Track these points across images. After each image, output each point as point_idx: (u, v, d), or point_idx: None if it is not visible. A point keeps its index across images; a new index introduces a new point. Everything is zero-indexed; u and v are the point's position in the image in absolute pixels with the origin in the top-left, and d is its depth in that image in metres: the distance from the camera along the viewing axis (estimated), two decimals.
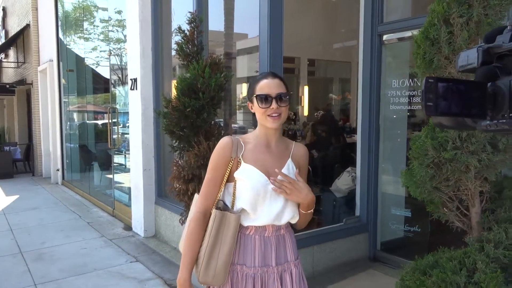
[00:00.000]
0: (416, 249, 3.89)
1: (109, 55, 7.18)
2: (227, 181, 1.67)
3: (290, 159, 1.71)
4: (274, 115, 1.61)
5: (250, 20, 6.77)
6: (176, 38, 3.64)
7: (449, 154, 1.76)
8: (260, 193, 1.61)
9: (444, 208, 1.93)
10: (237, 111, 6.64)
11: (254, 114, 1.71)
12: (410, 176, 1.91)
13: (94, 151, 8.71)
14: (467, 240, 1.86)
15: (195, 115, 3.30)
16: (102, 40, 8.86)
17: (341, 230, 4.07)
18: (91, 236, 5.33)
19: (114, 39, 8.32)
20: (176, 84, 3.40)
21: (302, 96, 8.11)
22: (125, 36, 7.37)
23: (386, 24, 4.00)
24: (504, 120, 0.56)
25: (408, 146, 3.81)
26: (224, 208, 1.66)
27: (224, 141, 1.68)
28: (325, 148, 5.98)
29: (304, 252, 3.59)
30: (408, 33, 3.85)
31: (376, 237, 4.21)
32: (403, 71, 4.10)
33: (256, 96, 1.63)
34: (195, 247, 1.64)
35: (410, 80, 3.93)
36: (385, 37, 4.03)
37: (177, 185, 3.40)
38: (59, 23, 9.23)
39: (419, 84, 3.81)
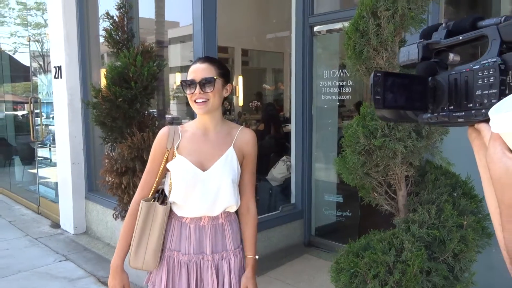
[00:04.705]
0: (347, 232, 4.09)
1: (28, 41, 6.62)
2: (168, 170, 1.67)
3: (231, 147, 1.67)
4: (198, 100, 1.59)
5: (181, 8, 6.61)
6: (104, 24, 3.46)
7: (379, 142, 1.86)
8: (189, 185, 1.60)
9: (374, 193, 2.04)
10: (171, 101, 6.48)
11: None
12: (343, 163, 1.99)
13: (14, 144, 8.06)
14: (395, 222, 1.99)
15: (128, 105, 3.18)
16: (19, 25, 8.16)
17: (278, 218, 4.16)
18: (14, 235, 4.95)
19: (33, 23, 7.70)
20: (105, 73, 3.24)
21: (237, 86, 8.12)
22: (45, 20, 6.85)
23: (317, 16, 4.11)
24: (444, 113, 0.59)
25: (339, 135, 3.96)
26: (161, 196, 1.70)
27: (161, 131, 1.68)
28: (262, 137, 6.05)
29: None
30: (337, 25, 3.98)
31: (311, 223, 4.36)
32: (333, 62, 4.25)
33: (181, 82, 1.62)
34: (128, 236, 1.67)
35: (340, 71, 4.09)
36: (316, 28, 4.14)
37: (110, 179, 3.27)
38: None
39: (349, 75, 3.98)
